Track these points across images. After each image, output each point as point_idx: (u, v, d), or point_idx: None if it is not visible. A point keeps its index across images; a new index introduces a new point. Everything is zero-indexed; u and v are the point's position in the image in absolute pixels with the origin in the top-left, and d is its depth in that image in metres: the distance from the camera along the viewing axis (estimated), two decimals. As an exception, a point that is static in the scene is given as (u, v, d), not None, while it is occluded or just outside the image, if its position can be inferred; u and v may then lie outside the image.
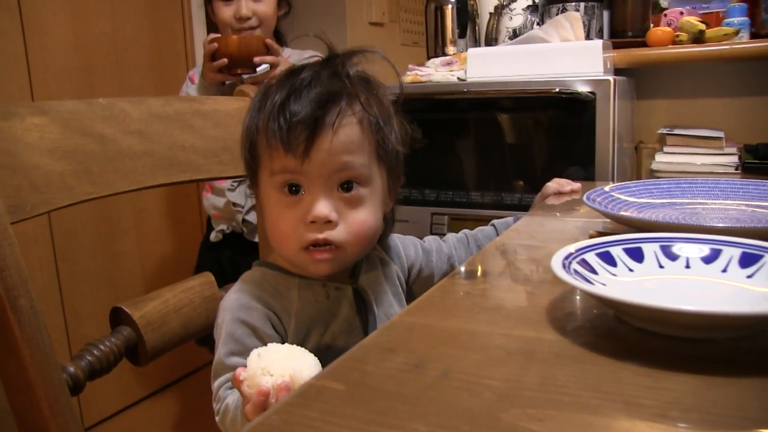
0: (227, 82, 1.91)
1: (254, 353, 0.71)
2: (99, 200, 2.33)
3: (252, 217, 1.94)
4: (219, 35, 1.86)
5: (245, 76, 1.89)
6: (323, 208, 0.81)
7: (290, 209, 0.83)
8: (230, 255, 2.03)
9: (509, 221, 1.16)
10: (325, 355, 0.85)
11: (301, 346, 0.80)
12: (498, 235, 1.13)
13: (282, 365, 0.69)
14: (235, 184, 1.92)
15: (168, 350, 0.98)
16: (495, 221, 1.17)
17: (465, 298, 0.71)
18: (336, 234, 0.83)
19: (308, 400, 0.46)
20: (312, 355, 0.74)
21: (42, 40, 2.20)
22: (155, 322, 0.95)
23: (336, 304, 0.88)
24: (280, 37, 2.10)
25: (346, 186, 0.83)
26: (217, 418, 0.80)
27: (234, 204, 1.93)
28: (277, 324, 0.85)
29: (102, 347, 0.89)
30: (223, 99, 1.13)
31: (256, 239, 1.67)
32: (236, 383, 0.70)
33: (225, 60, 1.79)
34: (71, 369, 0.84)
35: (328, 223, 0.82)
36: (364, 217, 0.85)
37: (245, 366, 0.70)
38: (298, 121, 0.80)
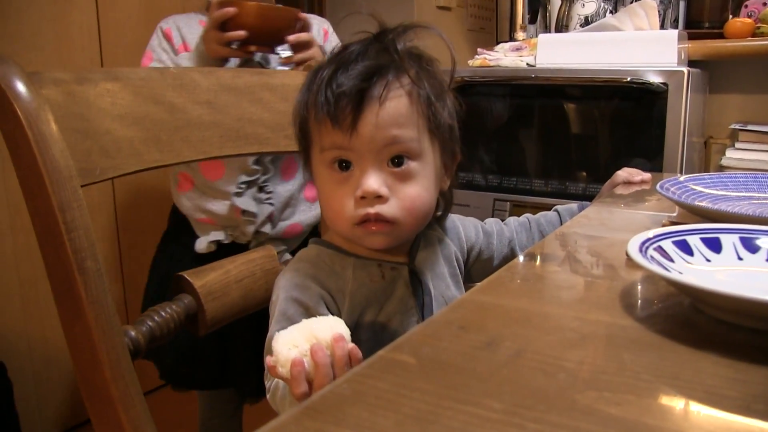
0: (233, 60, 1.55)
1: (273, 339, 0.70)
2: (162, 172, 2.37)
3: (268, 228, 1.59)
4: None
5: (258, 55, 1.57)
6: (373, 183, 0.80)
7: (341, 185, 0.82)
8: None
9: (573, 208, 1.13)
10: (380, 335, 0.84)
11: (356, 326, 0.80)
12: (561, 221, 1.10)
13: (302, 333, 0.68)
14: (243, 186, 1.56)
15: (227, 321, 0.98)
16: (558, 207, 1.14)
17: (537, 281, 0.70)
18: (388, 209, 0.81)
19: (378, 371, 0.45)
20: (329, 315, 0.75)
21: (114, 14, 2.23)
22: (216, 291, 0.95)
23: (391, 285, 0.87)
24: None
25: (397, 161, 0.81)
26: (268, 396, 0.80)
27: (244, 212, 1.55)
28: (331, 304, 0.84)
29: (163, 314, 0.90)
30: (293, 73, 1.13)
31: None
32: (272, 372, 0.69)
33: (242, 32, 1.42)
34: (132, 333, 0.85)
35: (379, 198, 0.80)
36: (416, 192, 0.83)
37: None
38: (343, 93, 0.78)
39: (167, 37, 1.63)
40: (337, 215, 0.83)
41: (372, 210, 0.81)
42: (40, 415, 2.15)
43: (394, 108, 0.80)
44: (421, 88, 0.82)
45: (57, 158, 0.75)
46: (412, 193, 0.83)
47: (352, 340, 0.72)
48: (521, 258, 0.77)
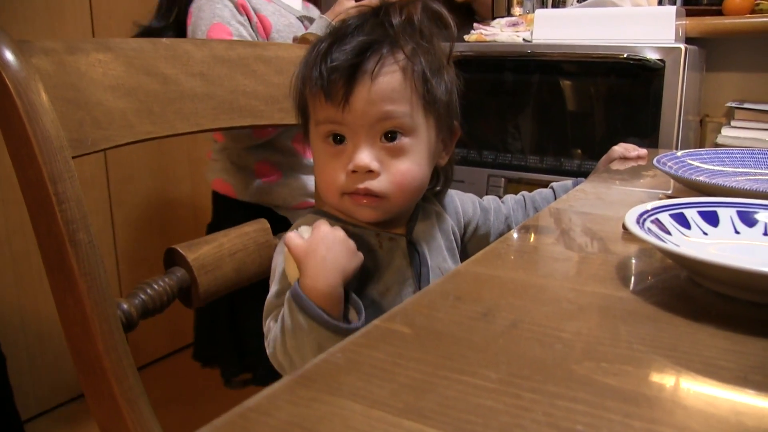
0: None
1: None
2: (155, 148, 2.36)
3: None
4: None
5: None
6: (365, 157, 0.80)
7: (334, 158, 0.83)
8: None
9: (568, 185, 1.13)
10: (378, 304, 0.84)
11: (354, 296, 0.80)
12: (556, 198, 1.10)
13: None
14: None
15: (220, 294, 0.98)
16: (554, 184, 1.14)
17: (533, 253, 0.69)
18: (377, 184, 0.81)
19: (374, 341, 0.45)
20: None
21: (105, -14, 2.20)
22: (209, 265, 0.95)
23: (389, 255, 0.87)
24: None
25: (390, 136, 0.81)
26: (269, 351, 0.80)
27: None
28: None
29: (155, 287, 0.89)
30: (287, 45, 1.12)
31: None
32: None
33: None
34: (125, 306, 0.84)
35: (370, 173, 0.81)
36: (407, 167, 0.83)
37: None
38: (335, 68, 0.78)
39: (242, 9, 1.54)
40: (328, 186, 0.84)
41: (361, 185, 0.81)
42: (34, 389, 2.15)
43: (387, 83, 0.80)
44: (416, 64, 0.82)
45: (47, 128, 0.74)
46: (403, 168, 0.82)
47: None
48: (517, 231, 0.77)
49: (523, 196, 1.12)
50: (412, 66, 0.82)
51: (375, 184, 0.81)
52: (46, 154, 0.73)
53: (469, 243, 1.02)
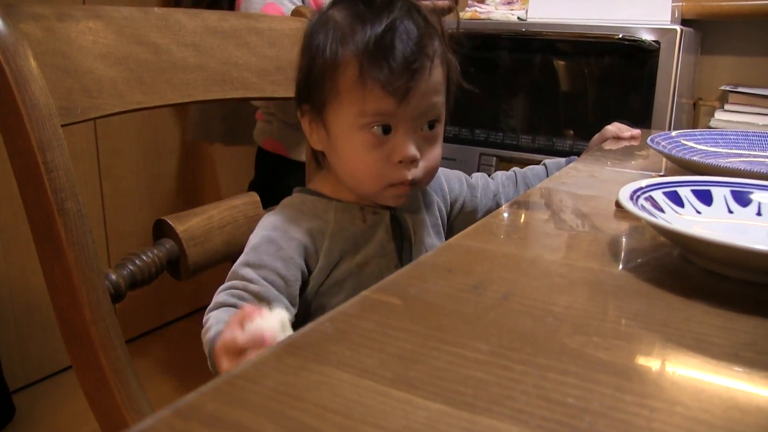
0: None
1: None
2: (145, 120, 2.34)
3: None
4: None
5: None
6: (412, 149, 0.81)
7: (376, 148, 0.81)
8: None
9: (561, 162, 1.13)
10: (356, 277, 0.85)
11: (335, 267, 0.82)
12: (548, 175, 1.10)
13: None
14: None
15: (209, 267, 0.97)
16: (546, 161, 1.14)
17: (525, 228, 0.69)
18: (418, 172, 0.83)
19: (363, 311, 0.45)
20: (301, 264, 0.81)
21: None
22: (198, 237, 0.94)
23: (372, 228, 0.87)
24: None
25: (429, 125, 0.83)
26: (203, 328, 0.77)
27: None
28: (310, 246, 0.84)
29: (144, 258, 0.89)
30: (280, 18, 1.11)
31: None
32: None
33: None
34: (113, 277, 0.84)
35: (413, 163, 0.82)
36: (438, 153, 0.86)
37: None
38: (402, 63, 0.78)
39: None
40: (369, 177, 0.83)
41: (409, 176, 0.82)
42: (22, 361, 2.14)
43: (436, 77, 0.82)
44: (448, 53, 0.84)
45: (36, 96, 0.73)
46: (436, 154, 0.85)
47: (330, 282, 0.78)
48: (509, 207, 0.76)
49: (515, 173, 1.11)
50: (448, 56, 0.84)
51: (417, 173, 0.83)
52: (35, 122, 0.72)
53: (456, 220, 1.02)
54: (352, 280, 0.85)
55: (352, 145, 0.83)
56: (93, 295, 0.77)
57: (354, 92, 0.80)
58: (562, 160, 1.14)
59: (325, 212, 0.86)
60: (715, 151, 0.98)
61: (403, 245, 0.90)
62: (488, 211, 1.04)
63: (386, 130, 0.80)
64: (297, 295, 0.81)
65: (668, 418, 0.33)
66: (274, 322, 0.58)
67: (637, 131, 1.24)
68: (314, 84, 0.84)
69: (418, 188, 0.87)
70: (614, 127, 1.23)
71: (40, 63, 0.74)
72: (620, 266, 0.56)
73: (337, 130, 0.84)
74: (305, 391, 0.35)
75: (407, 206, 0.91)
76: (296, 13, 1.15)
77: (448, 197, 1.00)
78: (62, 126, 0.76)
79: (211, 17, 0.99)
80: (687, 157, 0.89)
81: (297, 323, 0.77)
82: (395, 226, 0.89)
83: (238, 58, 1.01)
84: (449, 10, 1.51)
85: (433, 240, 0.94)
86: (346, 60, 0.80)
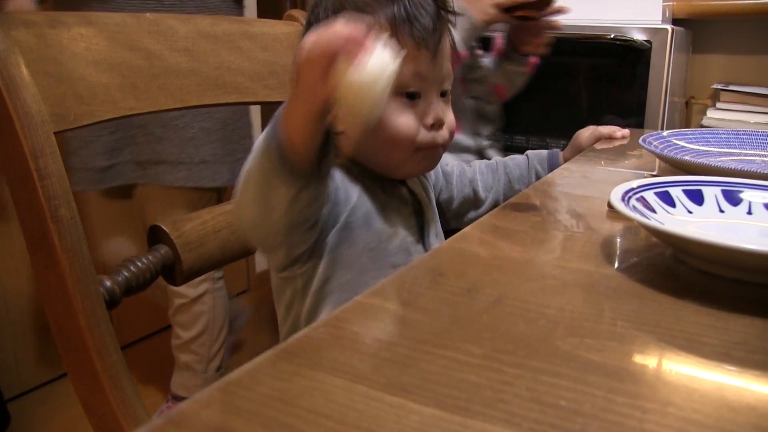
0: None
1: None
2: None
3: None
4: None
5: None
6: (440, 111, 0.84)
7: (406, 113, 0.82)
8: None
9: (542, 154, 1.13)
10: (386, 243, 0.85)
11: (357, 234, 0.82)
12: (529, 164, 1.11)
13: None
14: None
15: (204, 272, 0.97)
16: (528, 152, 1.15)
17: (517, 229, 0.69)
18: (445, 134, 0.85)
19: (356, 316, 0.45)
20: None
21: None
22: (193, 242, 0.94)
23: (391, 198, 0.88)
24: None
25: (444, 91, 0.86)
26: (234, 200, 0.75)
27: None
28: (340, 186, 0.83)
29: (139, 264, 0.88)
30: (272, 22, 1.11)
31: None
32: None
33: None
34: (108, 283, 0.83)
35: (441, 125, 0.84)
36: (453, 119, 0.87)
37: None
38: (432, 21, 0.81)
39: None
40: (402, 141, 0.83)
41: (439, 139, 0.84)
42: (18, 368, 2.14)
43: (447, 43, 0.85)
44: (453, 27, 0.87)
45: (28, 103, 0.73)
46: (453, 119, 0.87)
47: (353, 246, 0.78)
48: (502, 208, 0.76)
49: (495, 161, 1.12)
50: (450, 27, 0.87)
51: (444, 135, 0.85)
52: (27, 129, 0.72)
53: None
54: (380, 246, 0.85)
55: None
56: (88, 302, 0.77)
57: None
58: (545, 152, 1.14)
59: (351, 182, 0.86)
60: (707, 151, 0.98)
61: (423, 210, 0.92)
62: (464, 198, 1.06)
63: (412, 96, 0.82)
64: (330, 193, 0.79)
65: (660, 418, 0.34)
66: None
67: (626, 131, 1.24)
68: None
69: (443, 152, 0.88)
70: (606, 129, 1.24)
71: (32, 70, 0.74)
72: (613, 267, 0.56)
73: None
74: (298, 397, 0.35)
75: (415, 184, 0.92)
76: (288, 17, 1.15)
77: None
78: (55, 133, 0.76)
79: (204, 22, 1.00)
80: (679, 156, 0.89)
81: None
82: (413, 198, 0.91)
83: (231, 63, 1.01)
84: None
85: (437, 217, 0.96)
86: (377, 22, 0.81)
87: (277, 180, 0.66)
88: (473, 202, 1.08)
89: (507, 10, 1.41)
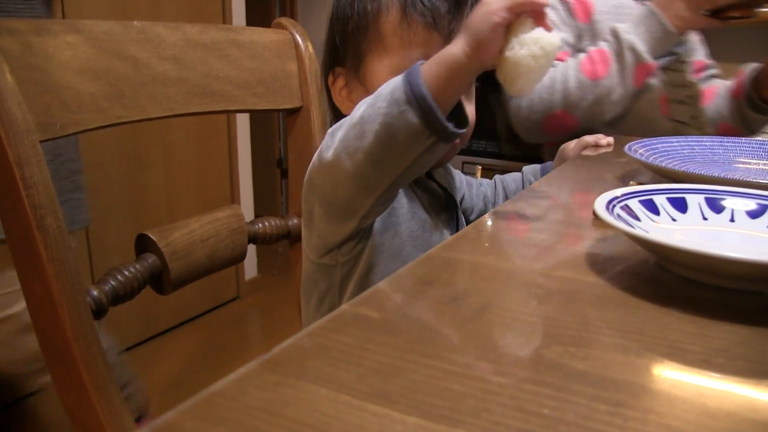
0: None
1: None
2: (128, 133, 2.32)
3: None
4: None
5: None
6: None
7: None
8: None
9: (536, 168, 1.14)
10: (429, 234, 0.85)
11: (404, 219, 0.82)
12: (523, 178, 1.13)
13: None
14: None
15: (192, 280, 0.97)
16: (524, 167, 1.16)
17: (502, 238, 0.70)
18: None
19: (342, 325, 0.45)
20: None
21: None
22: (181, 251, 0.94)
23: (424, 191, 0.89)
24: None
25: None
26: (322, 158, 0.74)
27: None
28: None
29: (126, 273, 0.88)
30: (261, 30, 1.11)
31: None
32: None
33: None
34: (95, 293, 0.83)
35: None
36: (473, 108, 0.87)
37: None
38: (444, 2, 0.80)
39: None
40: None
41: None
42: None
43: None
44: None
45: (13, 111, 0.72)
46: (473, 108, 0.87)
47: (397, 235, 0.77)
48: (488, 216, 0.77)
49: (494, 179, 1.14)
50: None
51: None
52: (12, 138, 0.72)
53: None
54: (418, 235, 0.84)
55: None
56: (74, 312, 0.76)
57: (398, 36, 0.81)
58: (538, 166, 1.15)
59: None
60: (691, 157, 0.99)
61: (452, 206, 0.92)
62: (479, 212, 1.06)
63: None
64: None
65: (641, 426, 0.34)
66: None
67: (610, 138, 1.25)
68: (351, 38, 0.84)
69: (463, 143, 0.86)
70: (591, 138, 1.25)
71: (17, 78, 0.74)
72: (597, 275, 0.57)
73: (380, 81, 0.80)
74: (283, 407, 0.35)
75: (441, 176, 0.93)
76: (276, 25, 1.15)
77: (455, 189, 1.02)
78: (41, 142, 0.75)
79: (192, 30, 1.00)
80: (663, 164, 0.90)
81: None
82: (442, 188, 0.92)
83: (219, 71, 1.01)
84: None
85: (463, 220, 0.97)
86: (388, 4, 0.81)
87: (414, 132, 0.65)
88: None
89: (714, 13, 1.24)
